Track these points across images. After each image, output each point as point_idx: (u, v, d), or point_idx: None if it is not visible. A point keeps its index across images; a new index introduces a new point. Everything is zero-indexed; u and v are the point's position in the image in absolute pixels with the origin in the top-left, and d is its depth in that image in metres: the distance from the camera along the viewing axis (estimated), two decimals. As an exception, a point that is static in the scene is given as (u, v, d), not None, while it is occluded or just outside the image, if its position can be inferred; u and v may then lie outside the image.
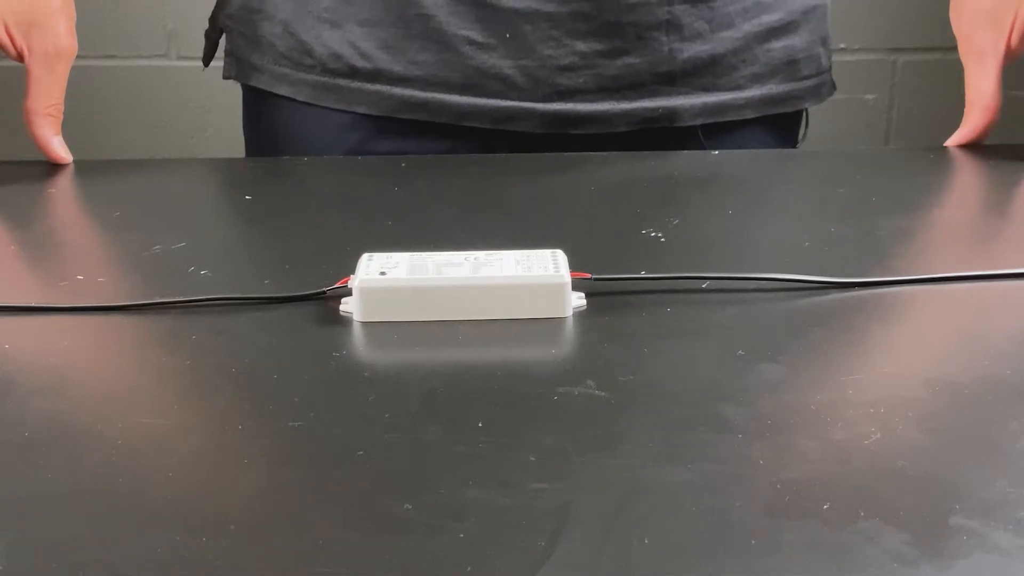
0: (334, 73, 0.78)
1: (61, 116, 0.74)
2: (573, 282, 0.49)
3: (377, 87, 0.77)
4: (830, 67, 0.87)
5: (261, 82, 0.81)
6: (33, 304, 0.50)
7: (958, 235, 0.61)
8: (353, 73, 0.77)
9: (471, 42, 0.75)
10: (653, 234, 0.59)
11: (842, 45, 1.40)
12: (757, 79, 0.81)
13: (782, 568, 0.31)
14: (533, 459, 0.37)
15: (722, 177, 0.71)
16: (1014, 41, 0.76)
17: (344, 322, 0.48)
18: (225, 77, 0.85)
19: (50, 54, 0.72)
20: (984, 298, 0.51)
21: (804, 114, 0.87)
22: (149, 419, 0.40)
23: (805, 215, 0.62)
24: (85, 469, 0.37)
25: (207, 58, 0.87)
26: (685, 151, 0.77)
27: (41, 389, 0.42)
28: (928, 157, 0.77)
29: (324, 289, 0.50)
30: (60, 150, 0.74)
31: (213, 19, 0.86)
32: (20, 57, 0.73)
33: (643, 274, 0.52)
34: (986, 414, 0.40)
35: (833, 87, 0.87)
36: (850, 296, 0.51)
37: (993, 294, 0.51)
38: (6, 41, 0.72)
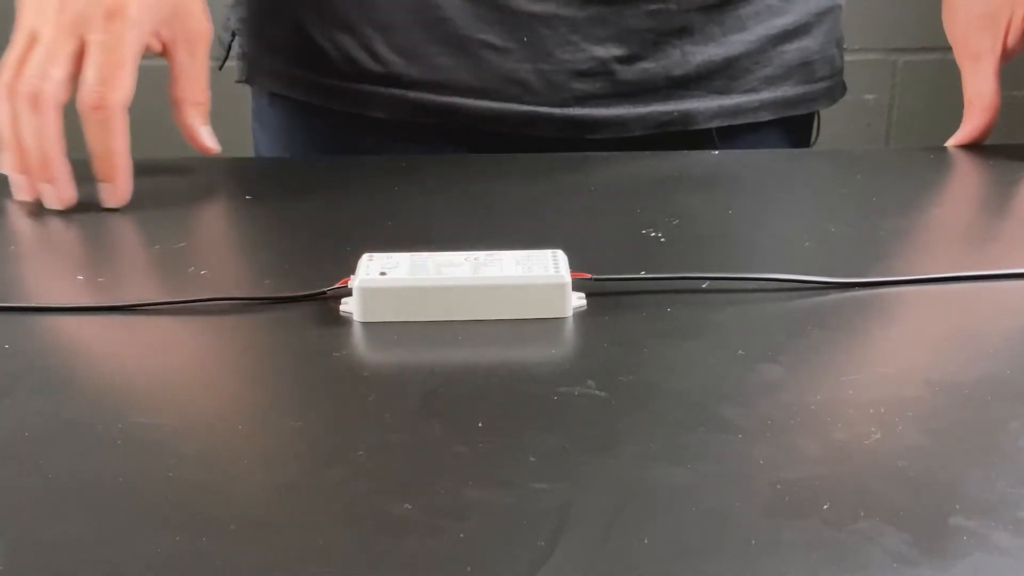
0: (348, 77, 0.77)
1: (208, 104, 0.71)
2: (573, 282, 0.49)
3: (393, 91, 0.76)
4: (842, 68, 0.87)
5: (275, 87, 0.81)
6: (33, 304, 0.50)
7: (958, 235, 0.61)
8: (368, 77, 0.76)
9: (489, 46, 0.75)
10: (653, 234, 0.59)
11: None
12: (771, 82, 0.81)
13: (782, 568, 0.31)
14: (533, 459, 0.37)
15: (722, 177, 0.71)
16: (1010, 42, 0.76)
17: (344, 322, 0.48)
18: (238, 81, 0.84)
19: (192, 38, 0.69)
20: (984, 298, 0.51)
21: (816, 117, 0.87)
22: (149, 419, 0.40)
23: (805, 215, 0.62)
24: (85, 469, 0.37)
25: (222, 61, 0.87)
26: (685, 151, 0.77)
27: (41, 389, 0.42)
28: (928, 157, 0.77)
29: (324, 289, 0.50)
30: (209, 140, 0.71)
31: (226, 22, 0.85)
32: (162, 52, 0.70)
33: (643, 274, 0.52)
34: (986, 414, 0.40)
35: (844, 88, 0.87)
36: (850, 296, 0.51)
37: (993, 294, 0.51)
38: (155, 44, 0.69)
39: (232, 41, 0.85)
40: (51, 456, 0.37)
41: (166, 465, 0.37)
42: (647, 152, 0.76)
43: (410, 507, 0.34)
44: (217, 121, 1.52)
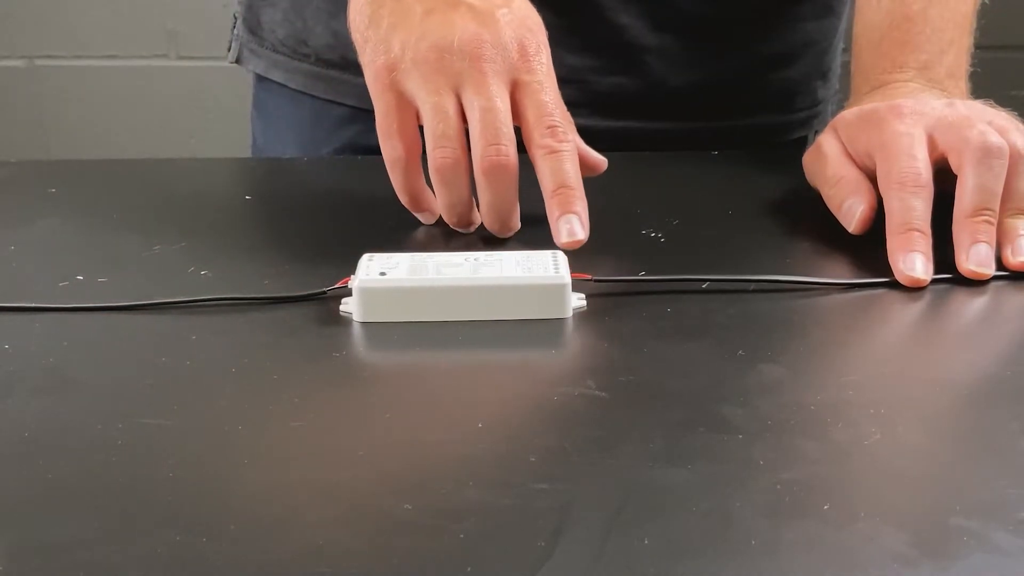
0: (327, 63, 0.78)
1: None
2: (573, 283, 0.49)
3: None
4: (826, 99, 0.86)
5: (259, 68, 0.82)
6: (33, 304, 0.50)
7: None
8: (345, 64, 0.77)
9: None
10: (653, 234, 0.59)
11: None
12: (748, 110, 0.81)
13: (782, 568, 0.31)
14: (533, 459, 0.37)
15: (722, 177, 0.71)
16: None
17: (344, 322, 0.48)
18: (230, 61, 0.86)
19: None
20: (984, 298, 0.51)
21: (806, 143, 0.87)
22: (149, 419, 0.40)
23: (805, 215, 0.62)
24: (85, 469, 0.37)
25: (228, 44, 0.88)
26: (685, 151, 0.77)
27: (41, 389, 0.42)
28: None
29: (324, 289, 0.50)
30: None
31: (235, 5, 0.87)
32: None
33: (643, 274, 0.52)
34: (986, 414, 0.40)
35: (830, 117, 0.86)
36: (850, 296, 0.51)
37: (994, 294, 0.51)
38: None
39: (235, 24, 0.86)
40: (51, 456, 0.37)
41: (167, 465, 0.37)
42: (646, 152, 0.76)
43: (410, 507, 0.34)
44: (218, 120, 1.52)
